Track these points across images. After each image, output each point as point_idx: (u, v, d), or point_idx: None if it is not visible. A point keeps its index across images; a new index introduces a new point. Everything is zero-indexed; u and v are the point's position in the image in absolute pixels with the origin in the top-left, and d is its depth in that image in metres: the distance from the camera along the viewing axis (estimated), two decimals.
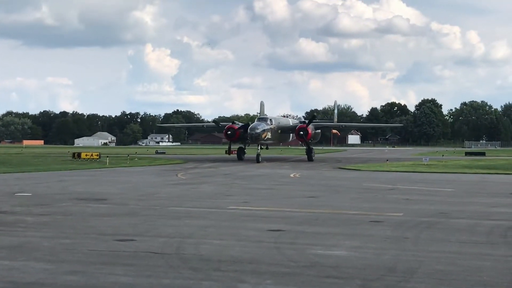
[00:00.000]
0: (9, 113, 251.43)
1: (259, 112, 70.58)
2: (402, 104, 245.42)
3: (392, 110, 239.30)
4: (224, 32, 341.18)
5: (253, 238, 14.24)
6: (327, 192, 27.29)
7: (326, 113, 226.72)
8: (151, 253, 12.41)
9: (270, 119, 62.83)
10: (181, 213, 19.22)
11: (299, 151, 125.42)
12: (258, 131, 59.67)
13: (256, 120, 64.12)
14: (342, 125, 77.20)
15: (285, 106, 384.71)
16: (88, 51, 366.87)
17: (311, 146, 66.73)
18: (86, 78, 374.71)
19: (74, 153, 64.69)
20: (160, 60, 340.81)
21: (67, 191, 26.57)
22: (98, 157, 62.60)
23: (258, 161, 58.40)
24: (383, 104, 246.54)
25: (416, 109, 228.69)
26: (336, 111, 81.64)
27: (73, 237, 14.32)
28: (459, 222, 17.52)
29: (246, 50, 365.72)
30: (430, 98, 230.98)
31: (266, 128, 60.52)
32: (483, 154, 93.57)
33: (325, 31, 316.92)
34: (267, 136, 60.68)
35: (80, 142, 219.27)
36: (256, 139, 60.00)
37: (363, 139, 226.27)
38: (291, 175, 40.67)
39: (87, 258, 11.94)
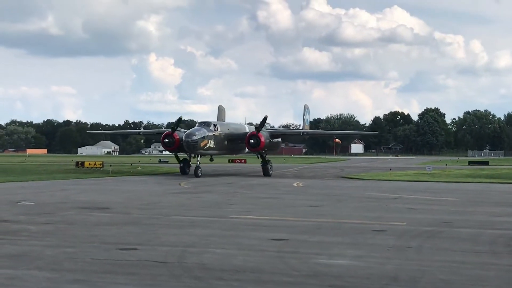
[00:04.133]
0: (13, 122, 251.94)
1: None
2: (405, 113, 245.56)
3: (395, 119, 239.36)
4: (228, 42, 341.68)
5: (255, 247, 14.22)
6: (330, 201, 27.25)
7: (329, 122, 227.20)
8: (153, 262, 12.39)
9: (215, 125, 51.48)
10: (183, 222, 19.20)
11: (302, 159, 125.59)
12: (194, 138, 48.60)
13: (197, 124, 52.31)
14: (302, 133, 62.49)
15: (288, 115, 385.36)
16: (92, 60, 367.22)
17: (266, 158, 55.26)
18: (90, 87, 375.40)
19: (77, 162, 64.74)
20: (163, 69, 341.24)
21: (70, 200, 26.57)
22: (101, 166, 62.64)
23: (196, 175, 48.13)
24: (386, 113, 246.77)
25: (419, 118, 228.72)
26: (306, 116, 67.86)
27: (76, 246, 14.31)
28: (462, 231, 17.47)
29: (250, 59, 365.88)
30: (433, 107, 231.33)
31: (206, 135, 49.37)
32: (486, 163, 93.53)
33: (329, 40, 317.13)
34: (208, 145, 49.54)
35: (83, 151, 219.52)
36: (193, 148, 49.06)
37: (366, 148, 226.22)
38: (294, 184, 40.65)
39: (90, 267, 11.93)
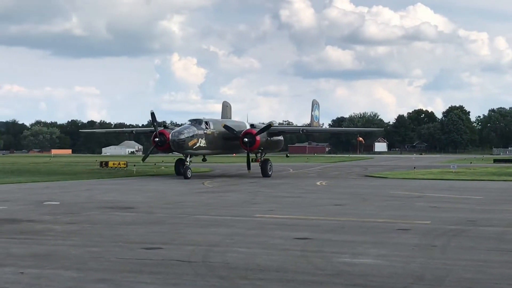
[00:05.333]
0: (37, 123, 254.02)
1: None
2: (430, 111, 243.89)
3: (419, 117, 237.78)
4: (251, 41, 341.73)
5: (279, 246, 14.22)
6: (353, 200, 27.17)
7: (352, 121, 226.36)
8: (178, 261, 12.44)
9: (207, 122, 47.28)
10: (207, 221, 19.26)
11: (325, 158, 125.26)
12: (182, 137, 44.87)
13: (187, 122, 48.24)
14: (302, 130, 57.81)
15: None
16: (115, 61, 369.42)
17: (262, 158, 51.39)
18: (113, 88, 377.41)
19: (101, 162, 65.22)
20: (187, 69, 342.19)
21: (94, 200, 26.76)
22: (125, 165, 62.98)
23: (185, 177, 44.48)
24: (410, 111, 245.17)
25: (444, 116, 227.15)
26: (315, 112, 61.61)
27: (100, 245, 14.41)
28: (487, 230, 17.35)
29: (272, 58, 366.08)
30: (457, 105, 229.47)
31: (196, 133, 45.61)
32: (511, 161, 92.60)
33: (352, 38, 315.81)
34: (198, 144, 45.74)
35: (107, 151, 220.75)
36: (180, 147, 45.28)
37: (390, 147, 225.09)
38: (318, 183, 40.57)
39: (115, 266, 12.00)
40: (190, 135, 45.38)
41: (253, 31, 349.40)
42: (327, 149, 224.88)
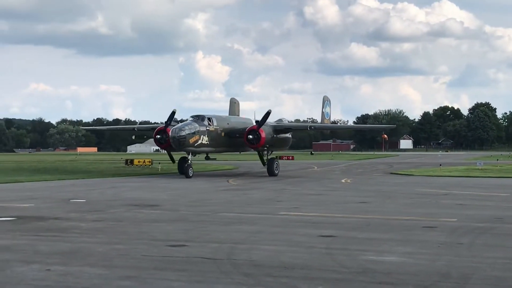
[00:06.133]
0: (63, 121, 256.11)
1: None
2: (455, 108, 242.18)
3: (445, 114, 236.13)
4: (275, 38, 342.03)
5: (304, 244, 14.19)
6: (378, 198, 27.04)
7: (377, 118, 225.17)
8: (203, 258, 12.46)
9: (209, 118, 45.28)
10: (232, 218, 19.27)
11: (350, 156, 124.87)
12: (182, 133, 42.69)
13: (188, 118, 45.96)
14: (309, 127, 55.05)
15: (335, 112, 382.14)
16: (140, 59, 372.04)
17: (268, 155, 49.37)
18: (138, 86, 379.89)
19: (126, 160, 65.36)
20: (211, 67, 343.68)
21: (120, 197, 26.91)
22: (150, 163, 63.22)
23: (187, 176, 42.88)
24: (436, 108, 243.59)
25: (470, 113, 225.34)
26: (326, 109, 59.06)
27: (126, 242, 14.48)
28: None
29: (297, 55, 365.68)
30: (484, 102, 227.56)
31: (197, 130, 43.56)
32: None
33: (377, 35, 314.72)
34: (199, 141, 43.75)
35: (132, 149, 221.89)
36: (181, 144, 43.05)
37: (415, 144, 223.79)
38: (343, 181, 40.44)
39: (140, 263, 12.05)
40: (192, 131, 43.34)
41: (277, 29, 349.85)
42: (351, 146, 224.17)
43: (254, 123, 46.94)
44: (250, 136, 45.10)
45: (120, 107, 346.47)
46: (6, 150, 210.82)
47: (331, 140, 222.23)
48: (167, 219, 18.98)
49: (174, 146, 43.92)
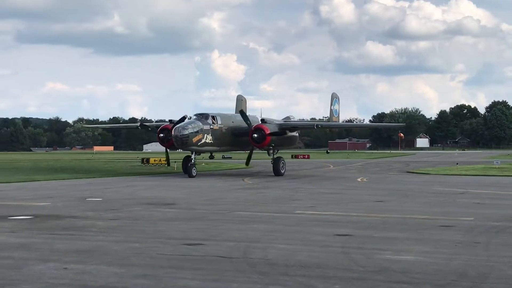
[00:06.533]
0: (80, 120, 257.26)
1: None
2: (472, 107, 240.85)
3: (462, 113, 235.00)
4: (290, 37, 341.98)
5: (320, 243, 14.17)
6: (395, 196, 26.95)
7: (393, 116, 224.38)
8: (219, 257, 12.47)
9: (214, 117, 43.86)
10: (248, 217, 19.27)
11: (366, 154, 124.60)
12: (185, 132, 41.53)
13: (192, 117, 44.11)
14: (316, 125, 50.86)
15: (351, 110, 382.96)
16: (156, 58, 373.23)
17: (274, 155, 46.87)
18: (154, 85, 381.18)
19: (143, 159, 65.55)
20: (226, 65, 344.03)
21: (136, 196, 26.99)
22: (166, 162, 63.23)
23: (190, 175, 41.76)
24: (453, 106, 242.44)
25: (487, 111, 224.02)
26: (334, 106, 56.71)
27: (142, 241, 14.52)
28: None
29: (312, 54, 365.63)
30: (501, 100, 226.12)
31: (201, 128, 42.37)
32: None
33: (393, 33, 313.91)
34: (203, 140, 42.50)
35: (148, 147, 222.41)
36: (184, 143, 42.00)
37: (432, 142, 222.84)
38: (359, 179, 40.35)
39: (157, 262, 12.08)
40: (195, 130, 42.05)
41: (293, 27, 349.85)
42: (368, 145, 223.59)
43: (260, 121, 45.45)
44: (256, 135, 43.58)
45: (136, 106, 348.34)
46: (23, 149, 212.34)
47: (347, 139, 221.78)
48: (183, 218, 19.02)
49: (177, 145, 42.84)
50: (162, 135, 44.54)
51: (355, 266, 11.68)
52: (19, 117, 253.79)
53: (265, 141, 43.69)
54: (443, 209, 21.52)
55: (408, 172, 51.25)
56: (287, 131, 46.33)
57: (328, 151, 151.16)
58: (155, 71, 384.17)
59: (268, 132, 43.42)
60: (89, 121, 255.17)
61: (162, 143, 45.69)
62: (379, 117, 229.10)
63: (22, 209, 21.49)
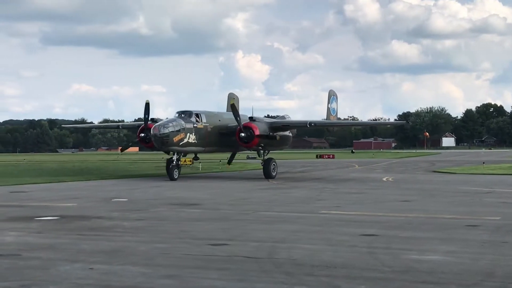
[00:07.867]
0: (105, 121, 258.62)
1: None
2: (499, 105, 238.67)
3: (488, 111, 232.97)
4: (315, 37, 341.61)
5: (345, 243, 14.12)
6: (421, 196, 26.78)
7: (419, 116, 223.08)
8: (244, 257, 12.47)
9: (198, 114, 40.78)
10: (272, 217, 19.26)
11: (391, 154, 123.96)
12: (165, 131, 38.33)
13: (174, 114, 41.17)
14: (309, 123, 45.21)
15: (376, 110, 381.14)
16: (181, 59, 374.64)
17: (265, 155, 43.44)
18: (179, 85, 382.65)
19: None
20: (251, 66, 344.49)
21: (161, 197, 27.09)
22: (191, 162, 63.47)
23: (172, 178, 38.96)
24: (479, 105, 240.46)
25: None
26: (332, 104, 53.73)
27: (167, 241, 14.57)
28: None
29: (337, 54, 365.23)
30: None
31: (182, 127, 39.11)
32: None
33: (418, 32, 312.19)
34: (185, 140, 39.22)
35: None
36: (163, 143, 38.75)
37: (458, 142, 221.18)
38: (384, 179, 40.16)
39: (182, 262, 12.12)
40: (176, 129, 38.74)
41: (317, 27, 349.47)
42: (393, 144, 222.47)
43: (248, 120, 41.80)
44: (243, 135, 40.25)
45: (161, 106, 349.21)
46: (49, 150, 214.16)
47: (372, 138, 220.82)
48: (208, 218, 19.06)
49: (157, 145, 39.55)
50: (143, 134, 41.39)
51: (380, 266, 11.62)
52: (45, 118, 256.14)
53: (253, 141, 40.57)
54: (469, 209, 21.35)
55: (434, 171, 50.92)
56: (277, 136, 42.34)
57: (353, 150, 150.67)
58: (180, 72, 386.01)
59: (257, 132, 40.24)
60: (114, 122, 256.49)
61: (144, 144, 42.54)
62: (404, 117, 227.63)
63: (49, 210, 21.67)
